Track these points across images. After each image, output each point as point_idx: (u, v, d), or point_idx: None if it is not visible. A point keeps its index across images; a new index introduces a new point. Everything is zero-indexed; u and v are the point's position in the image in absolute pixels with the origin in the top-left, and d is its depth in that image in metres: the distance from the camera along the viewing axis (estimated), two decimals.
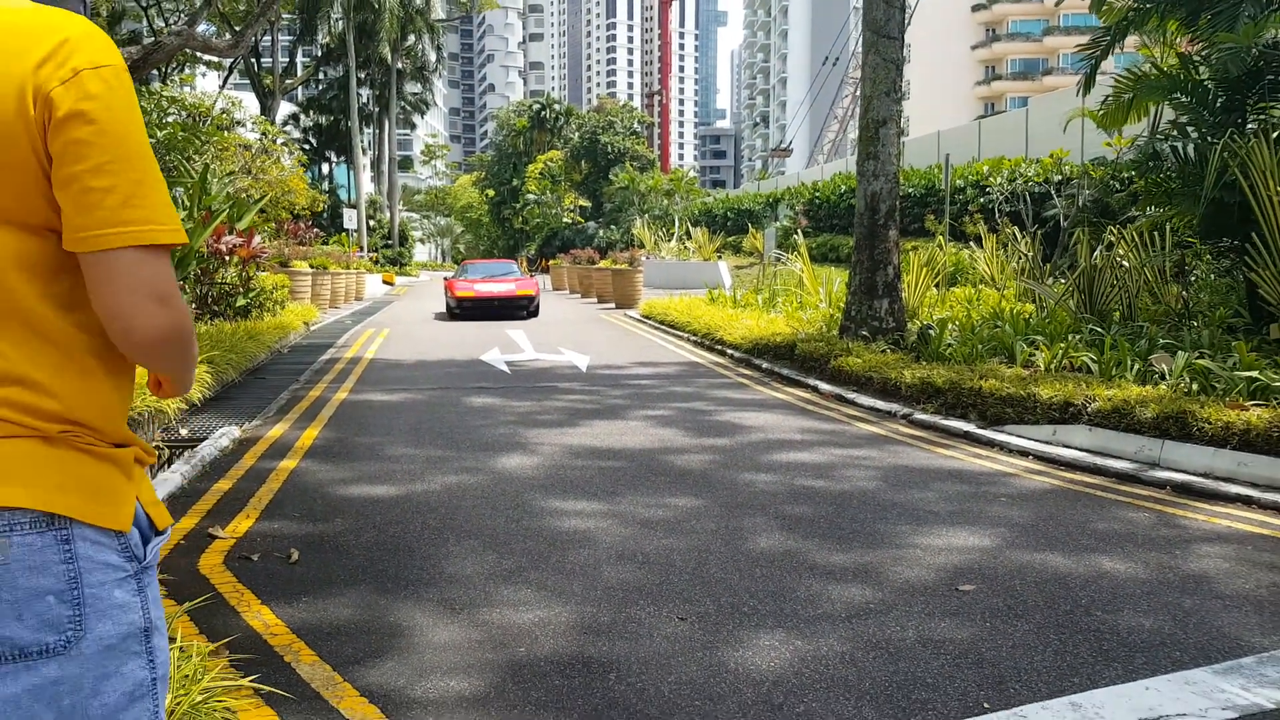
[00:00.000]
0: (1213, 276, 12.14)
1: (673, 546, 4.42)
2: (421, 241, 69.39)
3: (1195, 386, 6.65)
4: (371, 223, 44.72)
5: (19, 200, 1.15)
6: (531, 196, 50.96)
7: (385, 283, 33.13)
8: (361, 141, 44.86)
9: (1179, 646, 3.26)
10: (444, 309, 20.22)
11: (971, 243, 18.51)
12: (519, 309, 18.77)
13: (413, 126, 58.34)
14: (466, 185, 71.53)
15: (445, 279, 20.82)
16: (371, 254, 40.10)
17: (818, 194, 32.25)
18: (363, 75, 44.71)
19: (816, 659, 3.18)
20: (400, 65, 46.23)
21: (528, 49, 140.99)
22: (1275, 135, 8.49)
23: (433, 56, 47.37)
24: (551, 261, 35.63)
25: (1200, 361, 6.99)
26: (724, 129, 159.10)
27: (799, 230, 23.92)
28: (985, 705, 2.84)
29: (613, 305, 22.10)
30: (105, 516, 1.19)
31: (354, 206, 39.67)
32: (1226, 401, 6.03)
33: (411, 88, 50.14)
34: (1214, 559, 4.22)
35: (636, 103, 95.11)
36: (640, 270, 22.27)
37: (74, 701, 1.17)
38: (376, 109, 47.90)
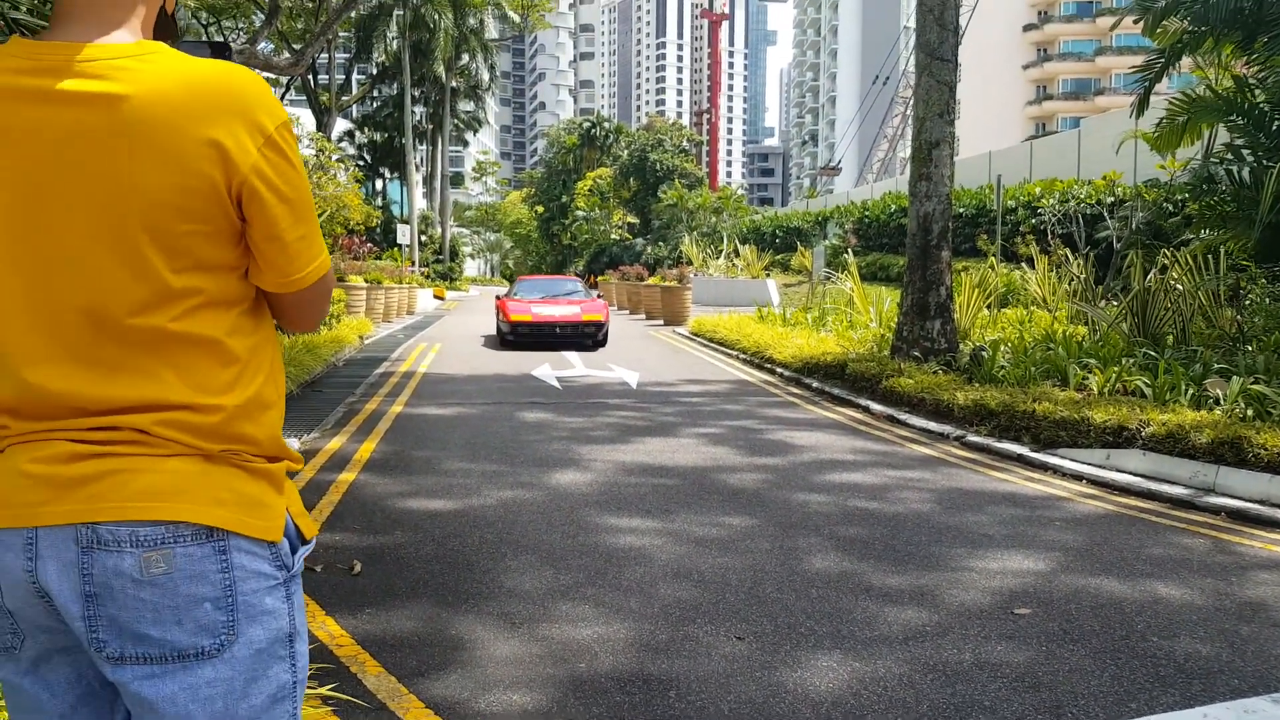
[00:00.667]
0: (1268, 301, 11.94)
1: (728, 565, 4.51)
2: (471, 257, 70.23)
3: (1250, 412, 6.58)
4: (423, 238, 45.37)
5: (216, 250, 1.28)
6: (580, 213, 51.36)
7: (436, 297, 33.60)
8: (415, 158, 45.64)
9: (1237, 674, 3.28)
10: (494, 330, 17.67)
11: (1023, 264, 18.34)
12: (585, 337, 15.83)
13: (465, 144, 59.02)
14: (516, 201, 72.39)
15: (497, 298, 17.63)
16: (423, 269, 40.72)
17: (867, 213, 32.14)
18: (417, 93, 45.50)
19: (874, 680, 3.25)
20: (454, 84, 46.97)
21: (578, 67, 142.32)
22: None
23: (486, 75, 47.98)
24: (600, 278, 35.95)
25: (1255, 387, 6.92)
26: (772, 147, 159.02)
27: (849, 249, 23.88)
28: None
29: (661, 322, 22.22)
30: (259, 529, 1.29)
31: (407, 222, 40.30)
32: None
33: (464, 105, 50.86)
34: (1271, 586, 4.20)
35: (685, 121, 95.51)
36: (689, 287, 22.36)
37: (226, 704, 1.26)
38: (430, 126, 48.68)
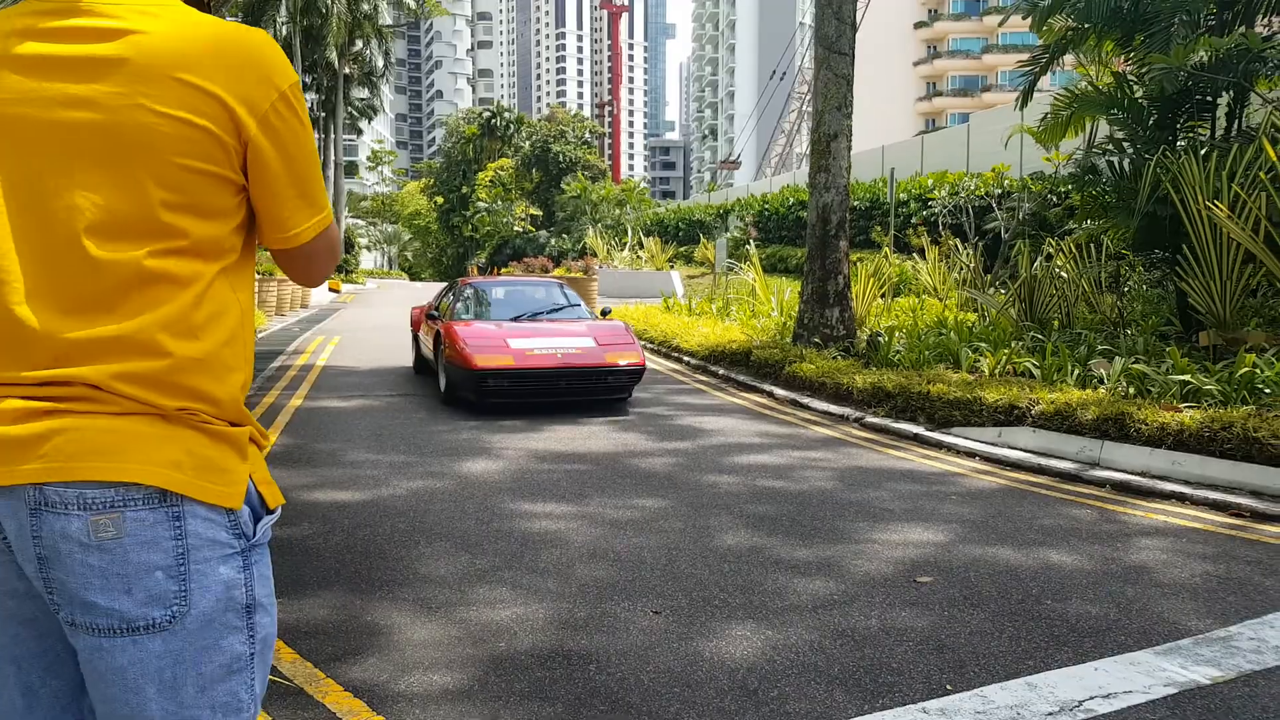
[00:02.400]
0: (1144, 287, 12.63)
1: (642, 545, 4.56)
2: (368, 249, 68.51)
3: (1132, 390, 6.97)
4: None
5: (212, 194, 1.26)
6: (482, 204, 50.77)
7: (332, 290, 32.77)
8: None
9: (1123, 631, 3.48)
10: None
11: (915, 254, 18.94)
12: (611, 391, 8.96)
13: (359, 132, 57.52)
14: (414, 192, 70.96)
15: (426, 318, 10.17)
16: None
17: (766, 206, 32.69)
18: (309, 80, 44.23)
19: (787, 647, 3.34)
20: (347, 70, 45.81)
21: (476, 56, 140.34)
22: (1204, 152, 8.91)
23: (380, 62, 46.89)
24: (503, 270, 35.62)
25: (1136, 366, 7.33)
26: (673, 141, 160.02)
27: (750, 241, 24.27)
28: (948, 687, 3.02)
29: None
30: (217, 494, 1.22)
31: None
32: (1161, 404, 6.35)
33: (359, 93, 49.62)
34: (1152, 551, 4.47)
35: (587, 112, 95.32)
36: (595, 279, 22.40)
37: (175, 674, 1.21)
38: (323, 114, 47.36)
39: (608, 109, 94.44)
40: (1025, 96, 12.27)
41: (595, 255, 30.13)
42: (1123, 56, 11.34)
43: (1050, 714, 2.81)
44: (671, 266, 29.03)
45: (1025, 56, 12.40)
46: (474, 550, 4.47)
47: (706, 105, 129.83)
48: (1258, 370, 6.56)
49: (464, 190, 57.06)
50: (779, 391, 9.42)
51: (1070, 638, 3.41)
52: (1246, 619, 3.58)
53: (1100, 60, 12.43)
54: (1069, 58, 12.55)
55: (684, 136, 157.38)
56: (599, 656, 3.27)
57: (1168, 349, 7.85)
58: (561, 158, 51.83)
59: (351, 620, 3.60)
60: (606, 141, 72.93)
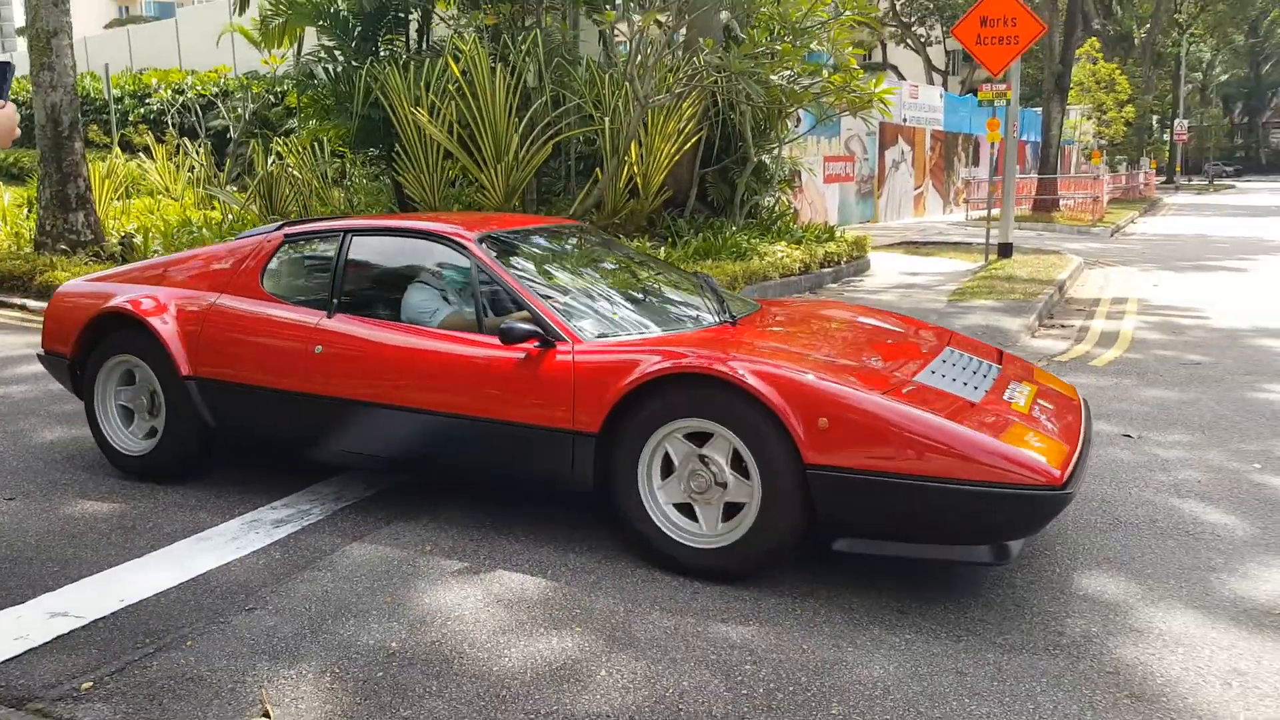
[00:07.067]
0: (365, 181, 14.43)
1: None
2: None
3: None
4: None
5: None
6: None
7: None
8: None
9: None
10: None
11: (140, 154, 18.27)
12: None
13: None
14: None
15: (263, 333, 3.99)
16: None
17: None
18: None
19: (140, 498, 4.01)
20: None
21: None
22: (404, 62, 10.68)
23: None
24: None
25: None
26: None
27: None
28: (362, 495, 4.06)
29: None
30: None
31: None
32: None
33: None
34: None
35: None
36: None
37: None
38: None
39: None
40: (243, 3, 12.86)
41: None
42: None
43: None
44: None
45: None
46: None
47: None
48: None
49: None
50: (34, 304, 8.95)
51: None
52: None
53: None
54: None
55: None
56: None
57: None
58: None
59: None
60: None
